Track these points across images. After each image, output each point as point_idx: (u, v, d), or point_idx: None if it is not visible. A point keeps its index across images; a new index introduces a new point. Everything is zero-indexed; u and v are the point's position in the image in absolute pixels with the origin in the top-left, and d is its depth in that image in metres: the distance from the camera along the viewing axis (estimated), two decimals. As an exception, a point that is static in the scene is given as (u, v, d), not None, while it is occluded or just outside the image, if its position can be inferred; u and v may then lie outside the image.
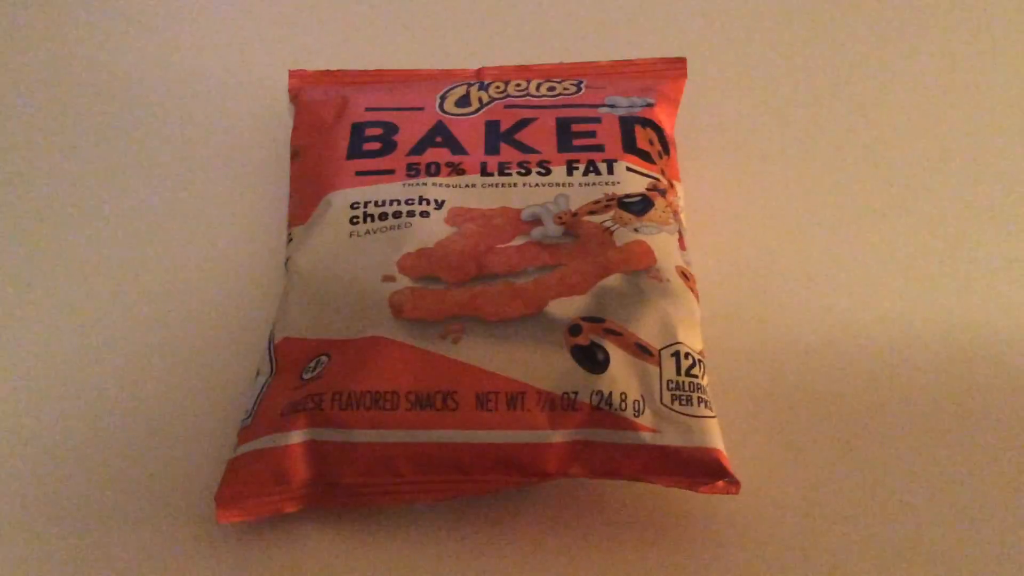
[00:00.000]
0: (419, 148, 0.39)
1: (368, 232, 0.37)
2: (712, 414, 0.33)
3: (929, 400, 0.36)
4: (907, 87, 0.45)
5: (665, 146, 0.40)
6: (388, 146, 0.39)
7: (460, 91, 0.42)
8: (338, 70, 0.43)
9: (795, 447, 0.35)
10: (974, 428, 0.35)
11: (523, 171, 0.38)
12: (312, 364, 0.34)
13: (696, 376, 0.33)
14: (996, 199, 0.42)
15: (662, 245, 0.36)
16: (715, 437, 0.32)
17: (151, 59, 0.46)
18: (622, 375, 0.33)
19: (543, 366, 0.33)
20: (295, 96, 0.43)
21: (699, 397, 0.33)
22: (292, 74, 0.43)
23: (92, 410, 0.36)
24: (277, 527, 0.33)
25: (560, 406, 0.32)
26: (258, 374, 0.35)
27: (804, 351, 0.38)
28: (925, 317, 0.39)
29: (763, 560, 0.32)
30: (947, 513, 0.33)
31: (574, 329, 0.34)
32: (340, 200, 0.38)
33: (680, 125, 0.43)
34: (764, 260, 0.40)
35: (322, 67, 0.46)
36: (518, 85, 0.42)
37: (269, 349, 0.36)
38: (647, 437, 0.32)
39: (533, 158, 0.39)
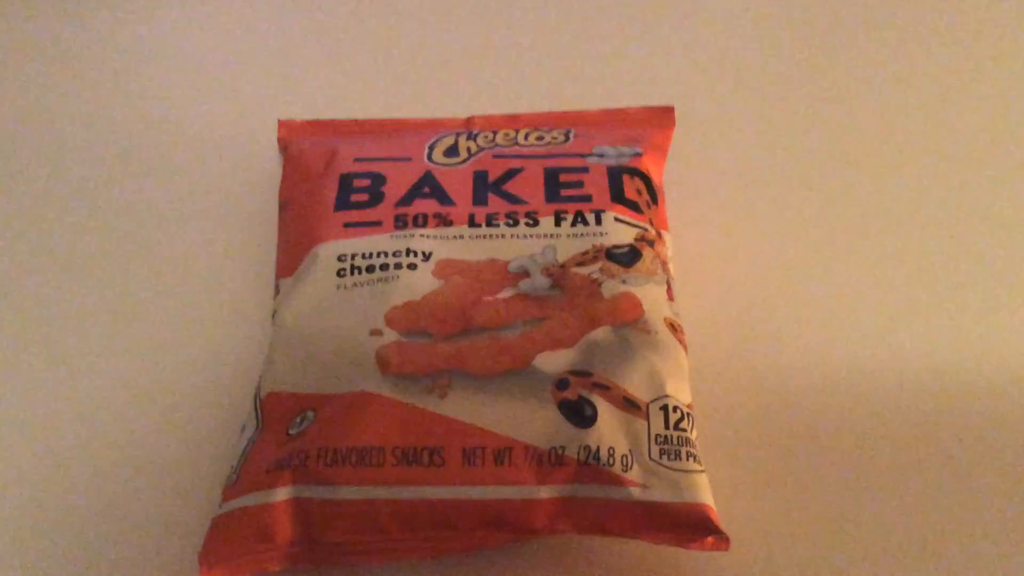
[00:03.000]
0: (407, 199, 0.39)
1: (355, 285, 0.37)
2: (701, 469, 0.33)
3: (925, 450, 0.36)
4: (895, 137, 0.45)
5: (653, 196, 0.40)
6: (376, 197, 0.39)
7: (449, 141, 0.42)
8: (327, 120, 0.44)
9: (787, 501, 0.35)
10: (974, 478, 0.35)
11: (511, 222, 0.38)
12: (298, 419, 0.34)
13: (685, 430, 0.33)
14: (984, 249, 0.42)
15: (650, 297, 0.36)
16: (704, 492, 0.32)
17: (138, 109, 0.46)
18: (610, 429, 0.33)
19: (530, 421, 0.33)
20: (284, 146, 0.43)
21: (688, 451, 0.33)
22: (281, 124, 0.43)
23: (75, 465, 0.36)
24: (262, 585, 0.33)
25: (548, 461, 0.32)
26: (244, 429, 0.35)
27: (795, 402, 0.37)
28: (918, 365, 0.38)
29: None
30: (949, 565, 0.33)
31: (561, 383, 0.33)
32: (327, 252, 0.38)
33: (668, 173, 0.43)
34: (753, 310, 0.40)
35: (311, 116, 0.46)
36: (507, 135, 0.42)
37: (255, 403, 0.35)
38: (635, 493, 0.32)
39: (521, 209, 0.39)
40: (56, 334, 0.40)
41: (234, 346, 0.40)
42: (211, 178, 0.44)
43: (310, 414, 0.34)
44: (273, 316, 0.37)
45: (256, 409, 0.35)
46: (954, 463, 0.36)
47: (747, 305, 0.40)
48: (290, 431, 0.34)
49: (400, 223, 0.38)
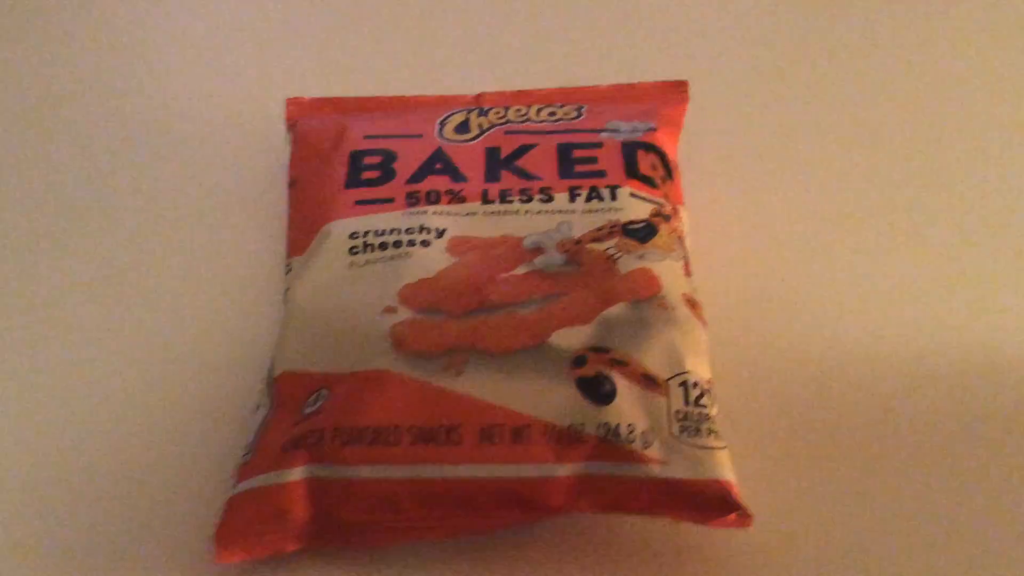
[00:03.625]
0: (418, 176, 0.39)
1: (368, 263, 0.36)
2: (722, 445, 0.32)
3: (949, 422, 0.35)
4: (915, 106, 0.45)
5: (668, 170, 0.39)
6: (387, 174, 0.39)
7: (459, 117, 0.41)
8: (336, 97, 0.43)
9: (810, 477, 0.34)
10: (1000, 450, 0.35)
11: (525, 198, 0.38)
12: (312, 398, 0.33)
13: (705, 406, 0.33)
14: (1007, 218, 0.42)
15: (667, 272, 0.36)
16: (725, 468, 0.32)
17: (145, 88, 0.46)
18: (629, 406, 0.32)
19: (548, 398, 0.32)
20: (292, 124, 0.42)
21: (708, 428, 0.32)
22: (289, 102, 0.42)
23: (85, 448, 0.36)
24: (277, 567, 0.32)
25: (566, 439, 0.32)
26: (257, 408, 0.35)
27: (816, 376, 0.37)
28: (939, 336, 0.38)
29: (776, 595, 0.32)
30: (978, 541, 0.32)
31: (579, 360, 0.33)
32: (339, 230, 0.37)
33: (683, 148, 0.43)
34: (772, 284, 0.40)
35: (320, 94, 0.45)
36: (518, 110, 0.41)
37: (268, 383, 0.35)
38: (655, 470, 0.31)
39: (534, 185, 0.38)
40: (64, 314, 0.39)
41: (245, 326, 0.39)
42: (218, 157, 0.44)
43: (324, 393, 0.33)
44: (285, 295, 0.37)
45: (269, 389, 0.35)
46: (981, 438, 0.35)
47: (766, 280, 0.40)
48: (304, 410, 0.33)
49: (412, 200, 0.38)
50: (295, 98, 0.43)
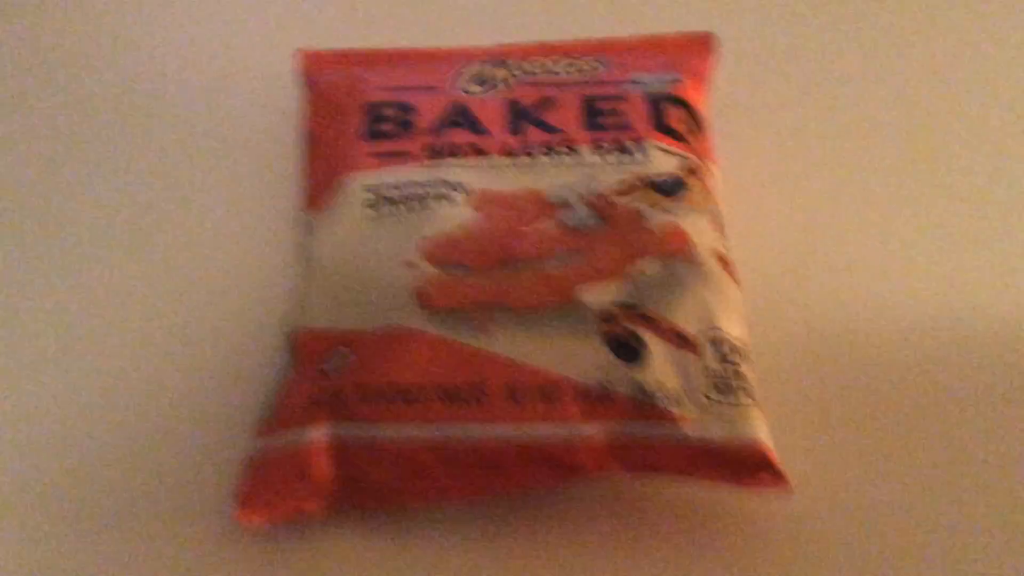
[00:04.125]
0: (438, 129, 0.37)
1: (387, 216, 0.35)
2: (755, 403, 0.31)
3: (990, 385, 0.35)
4: (956, 64, 0.44)
5: (697, 124, 0.38)
6: (405, 127, 0.38)
7: (478, 69, 0.40)
8: (349, 49, 0.42)
9: (848, 442, 0.33)
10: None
11: (548, 151, 0.37)
12: (333, 356, 0.32)
13: (737, 364, 0.32)
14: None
15: (697, 228, 0.35)
16: (759, 428, 0.31)
17: (148, 41, 0.44)
18: (659, 364, 0.31)
19: (576, 356, 0.31)
20: (306, 77, 0.41)
21: (741, 386, 0.31)
22: (302, 55, 0.41)
23: (100, 406, 0.35)
24: (299, 529, 0.31)
25: (595, 398, 0.31)
26: (276, 367, 0.34)
27: (852, 340, 0.36)
28: (976, 301, 0.37)
29: (815, 561, 0.31)
30: (1016, 505, 0.32)
31: (607, 317, 0.32)
32: (356, 184, 0.36)
33: (716, 106, 0.41)
34: (808, 245, 0.39)
35: (333, 47, 0.44)
36: (539, 62, 0.40)
37: (288, 341, 0.34)
38: (687, 429, 0.30)
39: (558, 138, 0.37)
40: (76, 272, 0.38)
41: (260, 283, 0.38)
42: (228, 110, 0.43)
43: (345, 351, 0.32)
44: (302, 250, 0.36)
45: (289, 346, 0.34)
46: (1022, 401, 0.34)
47: (801, 241, 0.39)
48: (324, 368, 0.32)
49: (432, 153, 0.37)
50: (308, 50, 0.41)
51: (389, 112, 0.38)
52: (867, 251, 0.39)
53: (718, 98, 0.41)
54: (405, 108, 0.38)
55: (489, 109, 0.38)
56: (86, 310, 0.37)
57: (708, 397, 0.31)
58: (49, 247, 0.39)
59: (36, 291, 0.38)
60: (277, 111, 0.42)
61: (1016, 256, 0.38)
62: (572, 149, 0.37)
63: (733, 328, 0.33)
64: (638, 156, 0.36)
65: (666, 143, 0.37)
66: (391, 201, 0.35)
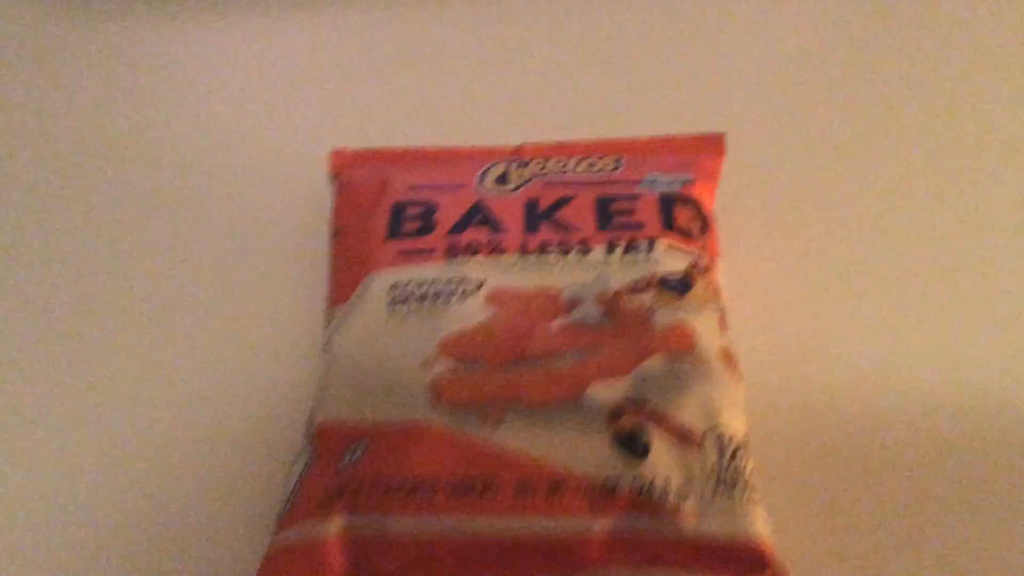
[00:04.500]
0: (459, 227, 0.39)
1: (408, 314, 0.37)
2: (758, 502, 0.32)
3: (991, 481, 0.35)
4: (957, 164, 0.45)
5: (705, 223, 0.40)
6: (428, 225, 0.39)
7: (499, 169, 0.42)
8: (378, 149, 0.44)
9: (847, 534, 0.34)
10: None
11: (563, 251, 0.38)
12: (352, 449, 0.34)
13: (740, 462, 0.33)
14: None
15: (703, 326, 0.36)
16: (761, 526, 0.32)
17: (189, 137, 0.47)
18: (664, 461, 0.32)
19: (584, 451, 0.33)
20: (336, 175, 0.43)
21: (744, 483, 0.32)
22: (334, 154, 0.43)
23: (121, 494, 0.36)
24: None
25: (601, 493, 0.32)
26: (296, 458, 0.35)
27: (854, 431, 0.37)
28: (981, 394, 0.38)
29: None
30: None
31: (615, 413, 0.33)
32: (380, 281, 0.38)
33: (719, 200, 0.43)
34: (808, 338, 0.40)
35: (362, 143, 0.46)
36: (557, 162, 0.42)
37: (308, 433, 0.36)
38: (690, 526, 0.31)
39: (573, 237, 0.39)
40: (106, 360, 0.40)
41: (286, 375, 0.40)
42: (262, 206, 0.45)
43: (364, 444, 0.34)
44: (325, 344, 0.38)
45: (309, 439, 0.35)
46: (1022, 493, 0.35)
47: (802, 333, 0.40)
48: (343, 461, 0.34)
49: (452, 251, 0.38)
50: (339, 149, 0.44)
51: (413, 211, 0.40)
52: (868, 343, 0.40)
53: (720, 190, 0.43)
54: (428, 207, 0.40)
55: (508, 208, 0.40)
56: (111, 394, 0.39)
57: (711, 494, 0.32)
58: (80, 331, 0.41)
59: (64, 377, 0.40)
60: (311, 205, 0.45)
61: (1021, 346, 0.39)
62: (585, 248, 0.38)
63: (736, 425, 0.34)
64: (649, 255, 0.38)
65: (676, 242, 0.38)
66: (412, 298, 0.37)
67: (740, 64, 0.48)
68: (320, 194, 0.45)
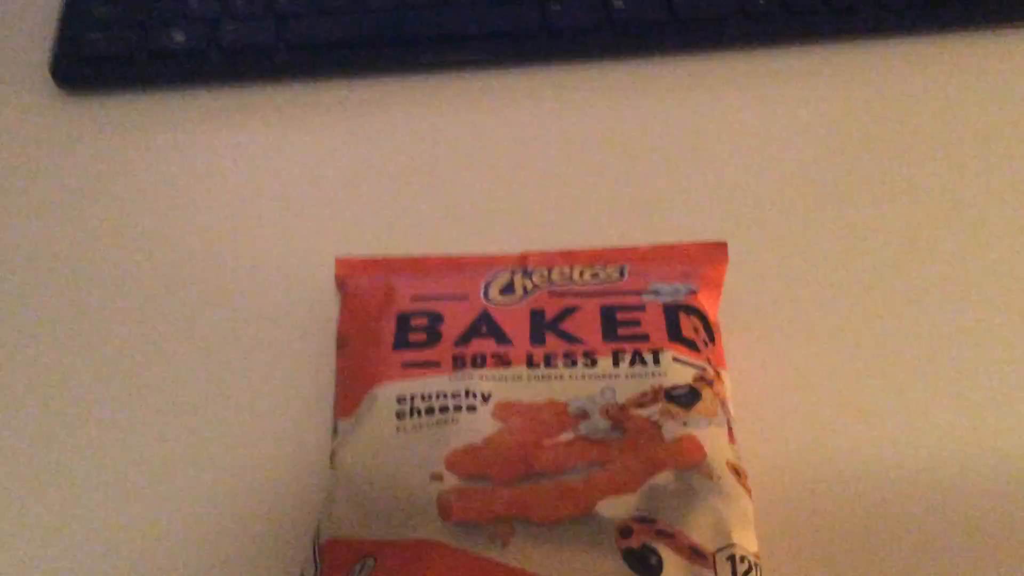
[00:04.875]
0: (465, 339, 0.39)
1: (415, 427, 0.36)
2: (770, 621, 0.32)
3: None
4: (957, 263, 0.45)
5: (710, 333, 0.40)
6: (434, 337, 0.39)
7: (504, 278, 0.42)
8: (383, 257, 0.44)
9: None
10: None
11: (569, 363, 0.38)
12: (358, 567, 0.34)
13: (751, 579, 0.33)
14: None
15: (711, 439, 0.36)
16: (774, 647, 0.31)
17: (193, 242, 0.47)
18: (676, 579, 0.32)
19: (594, 570, 0.32)
20: (341, 283, 0.43)
21: (756, 603, 0.32)
22: (339, 262, 0.44)
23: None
24: None
25: (613, 613, 0.32)
26: (303, 575, 0.35)
27: (868, 546, 0.37)
28: (997, 497, 0.37)
29: None
30: None
31: (625, 531, 0.33)
32: (386, 394, 0.38)
33: (723, 307, 0.43)
34: (818, 449, 0.40)
35: (366, 252, 0.46)
36: (562, 271, 0.42)
37: (314, 549, 0.35)
38: (703, 647, 0.31)
39: (578, 349, 0.39)
40: (107, 471, 0.40)
41: (292, 487, 0.39)
42: (267, 314, 0.45)
43: (370, 562, 0.33)
44: (332, 458, 0.37)
45: (315, 555, 0.35)
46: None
47: (812, 444, 0.40)
48: (350, 580, 0.33)
49: (458, 363, 0.38)
50: (345, 257, 0.44)
51: (419, 322, 0.40)
52: (881, 451, 0.39)
53: (723, 298, 0.43)
54: (434, 318, 0.40)
55: (513, 318, 0.40)
56: (113, 509, 0.39)
57: (723, 614, 0.32)
58: (78, 433, 0.41)
59: (68, 475, 0.39)
60: (317, 311, 0.45)
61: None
62: (591, 360, 0.38)
63: (747, 543, 0.33)
64: (655, 367, 0.38)
65: (681, 353, 0.38)
66: (419, 412, 0.37)
67: (743, 171, 0.49)
68: (325, 300, 0.45)
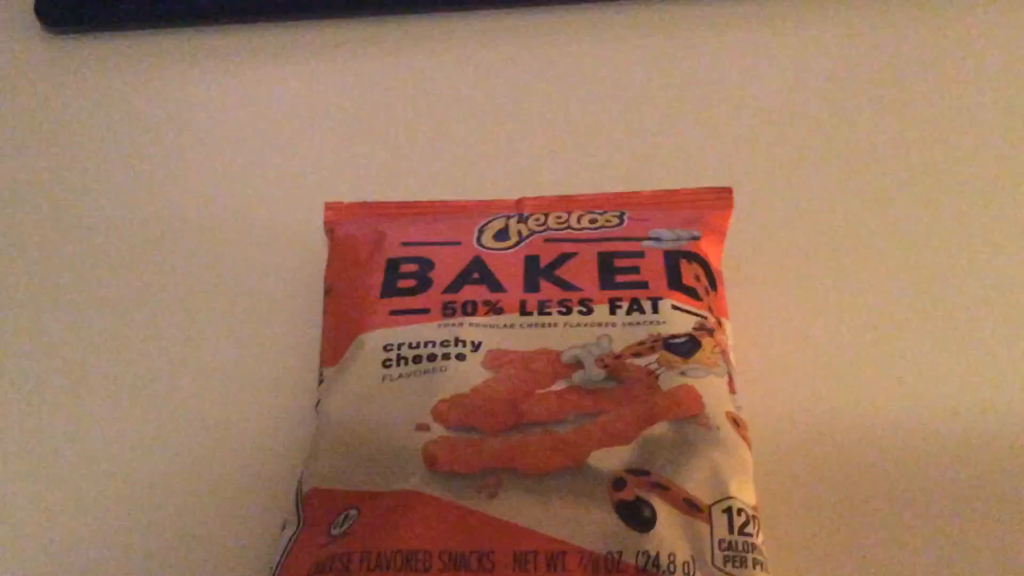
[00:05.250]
0: (455, 285, 0.38)
1: (402, 376, 0.35)
2: (767, 574, 0.31)
3: (1017, 546, 0.34)
4: (968, 213, 0.44)
5: (712, 281, 0.38)
6: (423, 283, 0.38)
7: (499, 224, 0.40)
8: (374, 202, 0.43)
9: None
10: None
11: (564, 310, 0.37)
12: (341, 518, 0.32)
13: (750, 534, 0.31)
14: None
15: (711, 389, 0.34)
16: (771, 603, 0.30)
17: (178, 188, 0.46)
18: (670, 533, 0.31)
19: (585, 523, 0.31)
20: (330, 229, 0.42)
21: (754, 558, 0.31)
22: (327, 207, 0.42)
23: (109, 559, 0.35)
24: None
25: (604, 567, 0.30)
26: (284, 526, 0.34)
27: (869, 501, 0.35)
28: (1000, 451, 0.36)
29: None
30: None
31: (618, 483, 0.32)
32: (373, 341, 0.36)
33: (726, 257, 0.42)
34: (821, 402, 0.38)
35: (358, 197, 0.45)
36: (559, 217, 0.41)
37: (297, 500, 0.34)
38: (697, 602, 0.30)
39: (574, 296, 0.37)
40: (91, 419, 0.39)
41: (276, 436, 0.38)
42: (254, 259, 0.44)
43: (353, 513, 0.32)
44: (316, 407, 0.36)
45: (298, 506, 0.34)
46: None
47: (814, 397, 0.38)
48: (333, 531, 0.32)
49: (448, 311, 0.37)
50: (333, 202, 0.42)
51: (409, 268, 0.39)
52: (884, 405, 0.38)
53: (727, 247, 0.41)
54: (424, 264, 0.39)
55: (507, 265, 0.39)
56: (97, 454, 0.38)
57: (720, 569, 0.30)
58: (62, 384, 0.40)
59: (47, 435, 0.39)
60: (305, 257, 0.43)
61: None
62: (587, 307, 0.37)
63: (745, 495, 0.32)
64: (654, 315, 0.36)
65: (682, 301, 0.37)
66: (406, 360, 0.36)
67: (749, 114, 0.47)
68: (314, 246, 0.44)
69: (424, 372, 0.35)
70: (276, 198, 0.45)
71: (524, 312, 0.37)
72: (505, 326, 0.36)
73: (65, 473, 0.38)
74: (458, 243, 0.40)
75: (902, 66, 0.48)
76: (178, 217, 0.45)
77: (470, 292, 0.37)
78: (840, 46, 0.49)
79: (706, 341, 0.36)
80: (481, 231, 0.40)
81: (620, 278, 0.38)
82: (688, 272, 0.38)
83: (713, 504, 0.32)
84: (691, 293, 0.37)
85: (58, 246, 0.44)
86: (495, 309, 0.37)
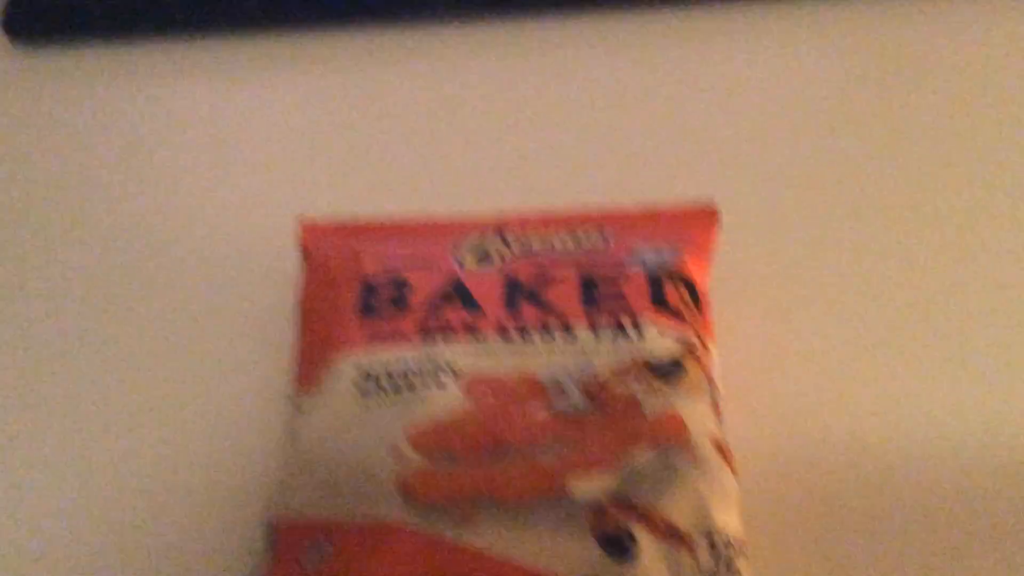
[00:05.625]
0: (434, 308, 0.37)
1: (379, 404, 0.34)
2: (754, 610, 0.30)
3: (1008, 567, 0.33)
4: (958, 230, 0.43)
5: (697, 302, 0.38)
6: (400, 304, 0.37)
7: (479, 243, 0.39)
8: (349, 221, 0.42)
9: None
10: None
11: (545, 333, 0.36)
12: (314, 551, 0.31)
13: (732, 561, 0.30)
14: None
15: (695, 415, 0.33)
16: (759, 638, 0.29)
17: (147, 204, 0.45)
18: (652, 564, 0.30)
19: (565, 553, 0.30)
20: (305, 249, 0.41)
21: (737, 587, 0.30)
22: (303, 226, 0.41)
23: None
24: None
25: (584, 599, 0.29)
26: (256, 556, 0.33)
27: (858, 531, 0.35)
28: (994, 488, 0.35)
29: None
30: None
31: (598, 510, 0.31)
32: (350, 366, 0.35)
33: (713, 278, 0.41)
34: (810, 428, 0.37)
35: (333, 211, 0.44)
36: (540, 237, 0.40)
37: (268, 531, 0.33)
38: (679, 634, 0.29)
39: (555, 319, 0.36)
40: (59, 443, 0.38)
41: (245, 465, 0.37)
42: (225, 276, 0.42)
43: (328, 548, 0.31)
44: (289, 434, 0.35)
45: (268, 537, 0.33)
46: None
47: (803, 423, 0.38)
48: (305, 564, 0.31)
49: (427, 334, 0.36)
50: (308, 221, 0.41)
51: (384, 289, 0.38)
52: (874, 430, 0.37)
53: (714, 268, 0.41)
54: (400, 284, 0.38)
55: (485, 285, 0.38)
56: (65, 484, 0.37)
57: (704, 602, 0.30)
58: (31, 410, 0.39)
59: (17, 455, 0.37)
60: (277, 276, 0.42)
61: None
62: (567, 329, 0.36)
63: (728, 522, 0.31)
64: (635, 337, 0.35)
65: (664, 322, 0.36)
66: (381, 384, 0.35)
67: (736, 129, 0.46)
68: (286, 263, 0.43)
69: (399, 397, 0.34)
70: (247, 213, 0.44)
71: (504, 336, 0.36)
72: (485, 351, 0.35)
73: (26, 503, 0.37)
74: (436, 263, 0.39)
75: (892, 81, 0.48)
76: (146, 233, 0.44)
77: (448, 314, 0.37)
78: (829, 59, 0.48)
79: (691, 365, 0.35)
80: (460, 251, 0.39)
81: (603, 300, 0.37)
82: (672, 293, 0.37)
83: (697, 533, 0.31)
84: (675, 315, 0.36)
85: (23, 261, 0.43)
86: (474, 331, 0.36)
